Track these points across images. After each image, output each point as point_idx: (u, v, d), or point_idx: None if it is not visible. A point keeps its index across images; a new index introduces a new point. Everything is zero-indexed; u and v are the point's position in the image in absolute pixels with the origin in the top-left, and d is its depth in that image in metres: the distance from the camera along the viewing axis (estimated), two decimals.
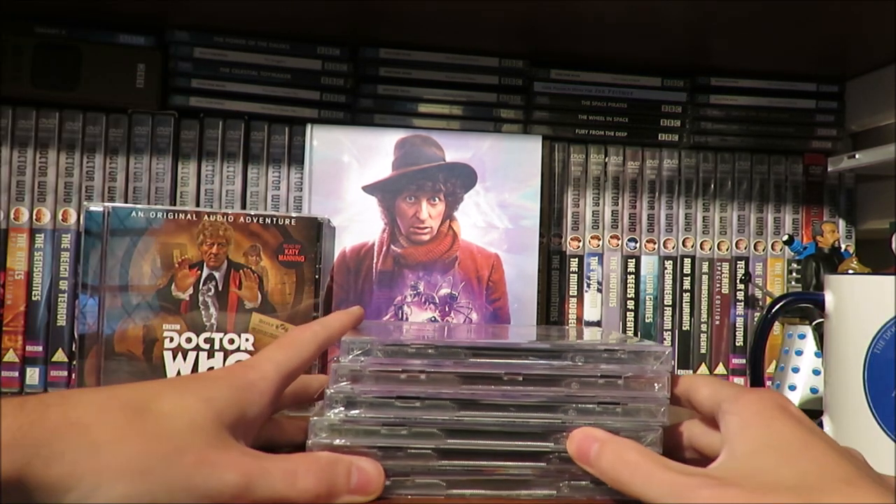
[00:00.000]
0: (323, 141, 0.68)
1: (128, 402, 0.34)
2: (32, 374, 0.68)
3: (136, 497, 0.31)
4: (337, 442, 0.40)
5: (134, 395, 0.34)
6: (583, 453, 0.38)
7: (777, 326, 0.74)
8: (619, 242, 0.77)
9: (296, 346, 0.41)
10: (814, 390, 0.67)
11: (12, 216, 0.69)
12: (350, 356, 0.41)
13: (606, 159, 0.78)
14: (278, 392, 0.39)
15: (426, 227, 0.69)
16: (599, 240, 0.77)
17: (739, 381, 0.76)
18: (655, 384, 0.42)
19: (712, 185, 0.79)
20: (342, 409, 0.40)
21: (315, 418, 0.40)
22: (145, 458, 0.32)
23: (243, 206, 0.73)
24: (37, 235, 0.69)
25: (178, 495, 0.32)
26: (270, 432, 0.42)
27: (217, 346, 0.62)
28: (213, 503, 0.33)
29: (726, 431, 0.35)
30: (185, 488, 0.32)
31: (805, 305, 0.60)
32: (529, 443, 0.41)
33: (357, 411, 0.40)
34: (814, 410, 0.63)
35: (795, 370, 0.68)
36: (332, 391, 0.40)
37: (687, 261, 0.78)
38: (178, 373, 0.61)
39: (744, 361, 0.78)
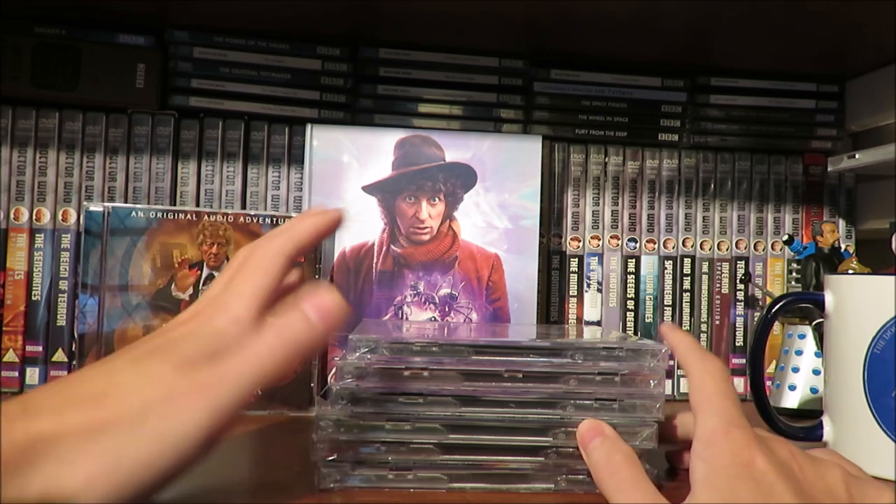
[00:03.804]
0: (323, 141, 0.68)
1: (89, 395, 0.32)
2: (32, 374, 0.68)
3: (115, 488, 0.30)
4: (342, 437, 0.41)
5: (94, 383, 0.33)
6: (586, 441, 0.40)
7: (777, 326, 0.74)
8: (619, 242, 0.77)
9: (263, 270, 0.37)
10: (814, 390, 0.67)
11: (12, 216, 0.69)
12: (357, 353, 0.42)
13: (606, 159, 0.78)
14: (257, 322, 0.35)
15: (426, 227, 0.69)
16: (599, 240, 0.77)
17: (739, 381, 0.76)
18: (651, 381, 0.43)
19: (712, 185, 0.79)
20: (347, 405, 0.41)
21: (321, 414, 0.41)
22: (115, 449, 0.31)
23: (243, 206, 0.73)
24: (37, 235, 0.69)
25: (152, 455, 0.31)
26: None
27: None
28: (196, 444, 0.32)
29: (693, 474, 0.35)
30: (157, 448, 0.31)
31: (805, 305, 0.61)
32: (529, 438, 0.42)
33: (362, 407, 0.41)
34: (814, 410, 0.64)
35: (795, 370, 0.68)
36: (337, 387, 0.41)
37: (687, 261, 0.78)
38: None
39: (744, 361, 0.78)
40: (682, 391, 0.77)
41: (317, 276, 0.63)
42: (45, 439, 0.30)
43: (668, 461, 0.46)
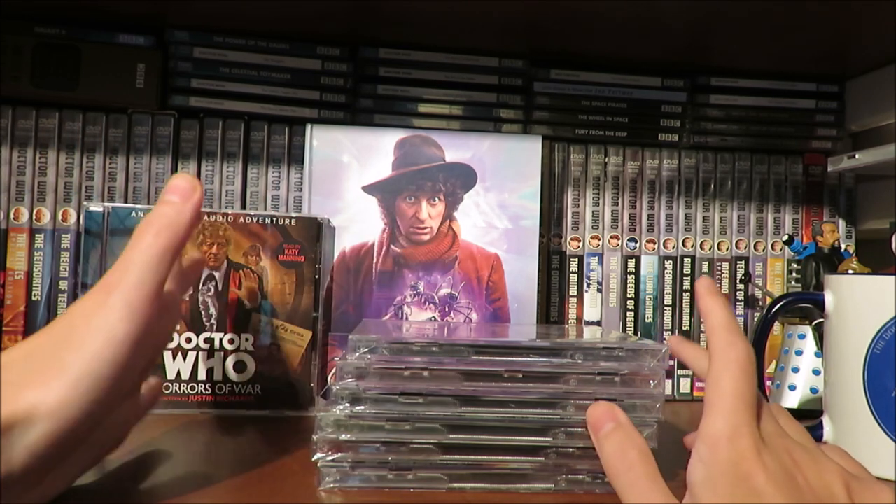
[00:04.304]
0: (323, 141, 0.68)
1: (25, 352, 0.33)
2: None
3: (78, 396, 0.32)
4: (342, 437, 0.41)
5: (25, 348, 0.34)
6: (597, 426, 0.37)
7: (777, 326, 0.74)
8: (619, 242, 0.77)
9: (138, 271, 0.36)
10: (814, 390, 0.67)
11: (12, 216, 0.69)
12: (357, 353, 0.42)
13: (606, 159, 0.78)
14: (152, 312, 0.36)
15: (426, 227, 0.69)
16: (599, 240, 0.77)
17: None
18: (651, 381, 0.43)
19: (712, 185, 0.79)
20: (347, 405, 0.41)
21: (321, 414, 0.41)
22: (61, 361, 0.32)
23: (243, 206, 0.73)
24: (37, 235, 0.69)
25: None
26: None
27: (217, 346, 0.62)
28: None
29: (692, 474, 0.35)
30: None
31: (805, 305, 0.61)
32: (529, 438, 0.42)
33: (362, 407, 0.41)
34: (814, 410, 0.64)
35: (795, 370, 0.68)
36: (337, 388, 0.41)
37: (687, 261, 0.78)
38: (178, 373, 0.61)
39: None
40: (682, 391, 0.77)
41: (317, 276, 0.63)
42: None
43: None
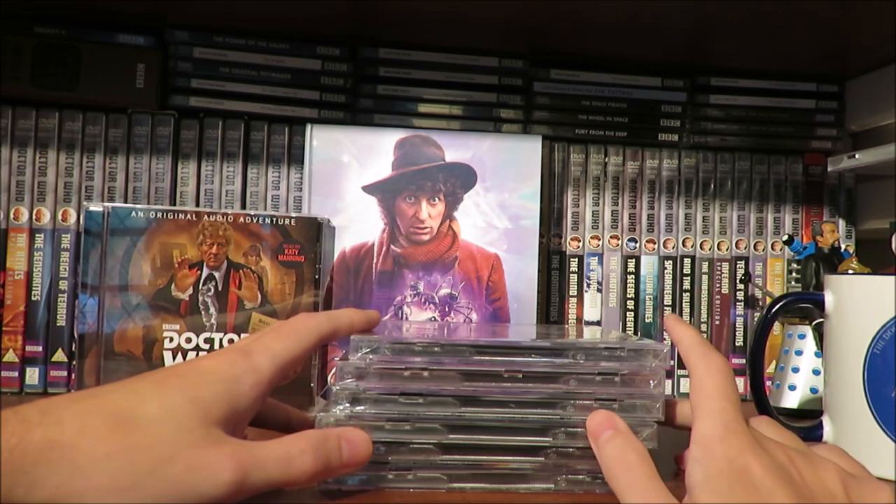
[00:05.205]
0: (323, 141, 0.68)
1: (112, 411, 0.32)
2: (32, 374, 0.67)
3: None
4: None
5: (117, 402, 0.33)
6: (596, 433, 0.39)
7: (777, 326, 0.74)
8: (619, 242, 0.77)
9: (296, 336, 0.40)
10: (814, 390, 0.67)
11: (12, 216, 0.69)
12: (358, 354, 0.42)
13: (606, 159, 0.78)
14: (271, 383, 0.39)
15: (426, 227, 0.69)
16: (599, 240, 0.77)
17: (740, 381, 0.76)
18: (651, 381, 0.43)
19: (712, 185, 0.79)
20: (347, 405, 0.41)
21: (321, 414, 0.41)
22: (132, 473, 0.31)
23: (243, 206, 0.73)
24: (37, 235, 0.69)
25: None
26: (263, 414, 0.42)
27: (217, 347, 0.62)
28: (211, 503, 0.32)
29: (690, 477, 0.35)
30: (177, 496, 0.31)
31: (805, 305, 0.61)
32: (529, 438, 0.42)
33: (362, 407, 0.41)
34: (814, 410, 0.64)
35: (795, 370, 0.68)
36: (337, 388, 0.41)
37: (687, 261, 0.78)
38: None
39: (744, 361, 0.78)
40: (682, 391, 0.77)
41: (317, 276, 0.63)
42: (64, 446, 0.30)
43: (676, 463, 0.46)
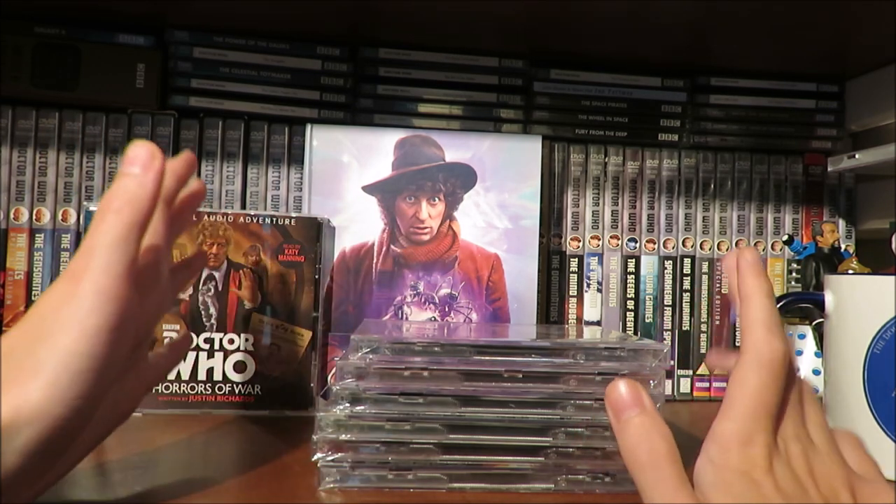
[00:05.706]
0: (323, 141, 0.68)
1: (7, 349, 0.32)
2: None
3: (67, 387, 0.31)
4: (342, 437, 0.41)
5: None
6: (618, 409, 0.33)
7: None
8: (619, 242, 0.77)
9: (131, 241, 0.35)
10: (814, 390, 0.67)
11: (12, 216, 0.69)
12: (358, 354, 0.42)
13: (606, 159, 0.78)
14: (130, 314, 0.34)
15: (426, 227, 0.69)
16: (599, 240, 0.77)
17: None
18: (651, 381, 0.43)
19: (712, 185, 0.79)
20: (347, 405, 0.41)
21: (321, 414, 0.41)
22: (47, 354, 0.31)
23: (243, 206, 0.73)
24: (37, 235, 0.69)
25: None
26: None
27: (217, 346, 0.62)
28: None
29: (701, 474, 0.33)
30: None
31: (805, 305, 0.60)
32: (529, 438, 0.42)
33: (362, 407, 0.41)
34: None
35: None
36: (337, 388, 0.41)
37: (687, 261, 0.78)
38: (178, 373, 0.61)
39: None
40: (682, 391, 0.77)
41: (317, 276, 0.63)
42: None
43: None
